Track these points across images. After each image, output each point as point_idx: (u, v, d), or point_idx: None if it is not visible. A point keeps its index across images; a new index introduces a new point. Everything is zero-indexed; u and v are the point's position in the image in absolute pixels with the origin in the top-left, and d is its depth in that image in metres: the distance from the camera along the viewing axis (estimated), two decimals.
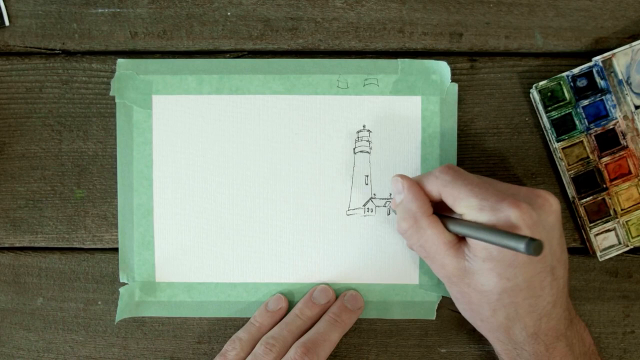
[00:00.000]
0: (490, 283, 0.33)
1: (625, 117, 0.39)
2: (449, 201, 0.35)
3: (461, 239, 0.35)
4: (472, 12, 0.40)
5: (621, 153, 0.40)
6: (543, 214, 0.33)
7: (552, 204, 0.34)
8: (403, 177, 0.37)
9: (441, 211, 0.36)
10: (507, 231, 0.31)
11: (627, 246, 0.40)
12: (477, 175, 0.36)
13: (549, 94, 0.40)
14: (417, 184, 0.36)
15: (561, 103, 0.39)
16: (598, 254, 0.40)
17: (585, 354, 0.36)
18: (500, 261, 0.33)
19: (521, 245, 0.29)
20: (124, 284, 0.41)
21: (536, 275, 0.33)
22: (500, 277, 0.33)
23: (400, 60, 0.40)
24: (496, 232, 0.31)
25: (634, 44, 0.39)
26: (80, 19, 0.41)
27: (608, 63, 0.39)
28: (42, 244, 0.41)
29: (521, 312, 0.34)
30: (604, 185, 0.40)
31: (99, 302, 0.41)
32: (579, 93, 0.39)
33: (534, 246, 0.29)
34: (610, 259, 0.41)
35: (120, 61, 0.40)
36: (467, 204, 0.33)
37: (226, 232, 0.41)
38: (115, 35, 0.41)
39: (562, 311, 0.34)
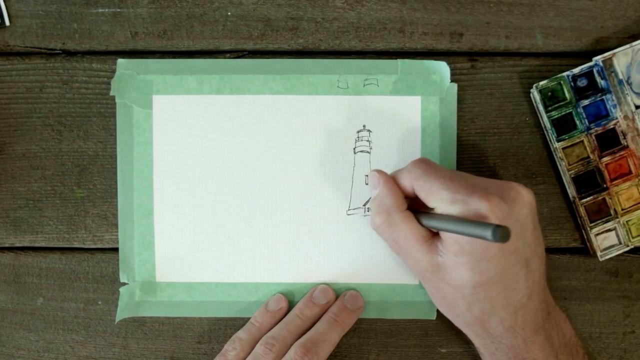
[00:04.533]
0: (463, 278, 0.33)
1: (625, 117, 0.39)
2: (422, 195, 0.35)
3: (435, 234, 0.35)
4: (473, 12, 0.40)
5: (622, 153, 0.40)
6: (515, 206, 0.33)
7: (524, 197, 0.34)
8: (379, 172, 0.37)
9: (417, 207, 0.36)
10: (474, 221, 0.31)
11: (628, 246, 0.40)
12: (451, 169, 0.36)
13: (550, 93, 0.39)
14: (392, 179, 0.36)
15: (561, 103, 0.39)
16: (598, 253, 0.40)
17: (565, 346, 0.36)
18: (472, 255, 0.33)
19: (488, 233, 0.29)
20: (124, 283, 0.41)
21: (509, 268, 0.33)
22: (473, 271, 0.33)
23: (400, 61, 0.40)
24: (464, 223, 0.31)
25: (634, 43, 0.39)
26: (81, 19, 0.41)
27: (608, 63, 0.39)
28: (43, 244, 0.41)
29: (496, 306, 0.34)
30: (605, 185, 0.40)
31: (99, 302, 0.41)
32: (580, 93, 0.39)
33: (501, 233, 0.29)
34: (611, 258, 0.41)
35: (121, 61, 0.40)
36: (439, 197, 0.33)
37: (226, 232, 0.41)
38: (116, 35, 0.41)
39: (539, 303, 0.34)
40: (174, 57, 0.41)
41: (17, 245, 0.41)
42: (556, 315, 0.36)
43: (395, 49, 0.41)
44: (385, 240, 0.37)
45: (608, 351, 0.41)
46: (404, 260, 0.37)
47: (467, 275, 0.33)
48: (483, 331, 0.35)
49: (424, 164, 0.35)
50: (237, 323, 0.41)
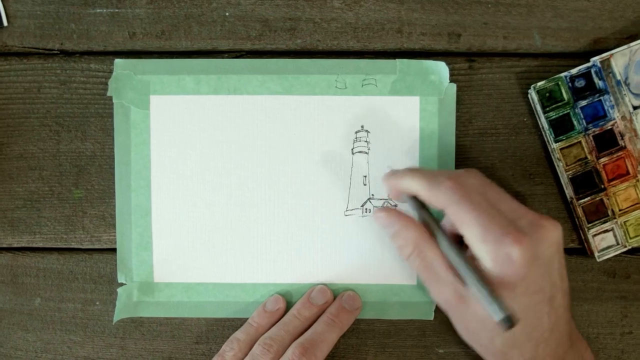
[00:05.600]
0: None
1: (623, 118, 0.39)
2: (453, 220, 0.35)
3: None
4: (471, 12, 0.40)
5: (619, 153, 0.40)
6: (543, 244, 0.33)
7: (554, 236, 0.34)
8: (386, 210, 0.38)
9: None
10: (492, 294, 0.32)
11: (625, 247, 0.40)
12: (485, 195, 0.34)
13: (547, 94, 0.40)
14: (401, 214, 0.38)
15: (559, 103, 0.39)
16: (596, 254, 0.40)
17: None
18: (498, 289, 0.33)
19: (498, 315, 0.32)
20: (122, 284, 0.41)
21: (533, 307, 0.33)
22: None
23: (398, 61, 0.40)
24: (482, 289, 0.33)
25: (632, 44, 0.39)
26: (79, 19, 0.41)
27: (606, 63, 0.39)
28: (40, 245, 0.41)
29: (518, 340, 0.34)
30: (602, 186, 0.40)
31: (97, 303, 0.41)
32: (577, 93, 0.39)
33: (508, 324, 0.31)
34: (608, 259, 0.41)
35: (118, 61, 0.40)
36: (471, 231, 0.34)
37: (224, 233, 0.41)
38: (114, 35, 0.41)
39: (561, 336, 0.35)
40: (172, 58, 0.40)
41: (15, 245, 0.41)
42: (579, 344, 0.36)
43: (393, 49, 0.41)
44: (415, 269, 0.37)
45: (605, 352, 0.41)
46: (429, 288, 0.37)
47: None
48: None
49: (463, 189, 0.34)
50: (235, 324, 0.41)
